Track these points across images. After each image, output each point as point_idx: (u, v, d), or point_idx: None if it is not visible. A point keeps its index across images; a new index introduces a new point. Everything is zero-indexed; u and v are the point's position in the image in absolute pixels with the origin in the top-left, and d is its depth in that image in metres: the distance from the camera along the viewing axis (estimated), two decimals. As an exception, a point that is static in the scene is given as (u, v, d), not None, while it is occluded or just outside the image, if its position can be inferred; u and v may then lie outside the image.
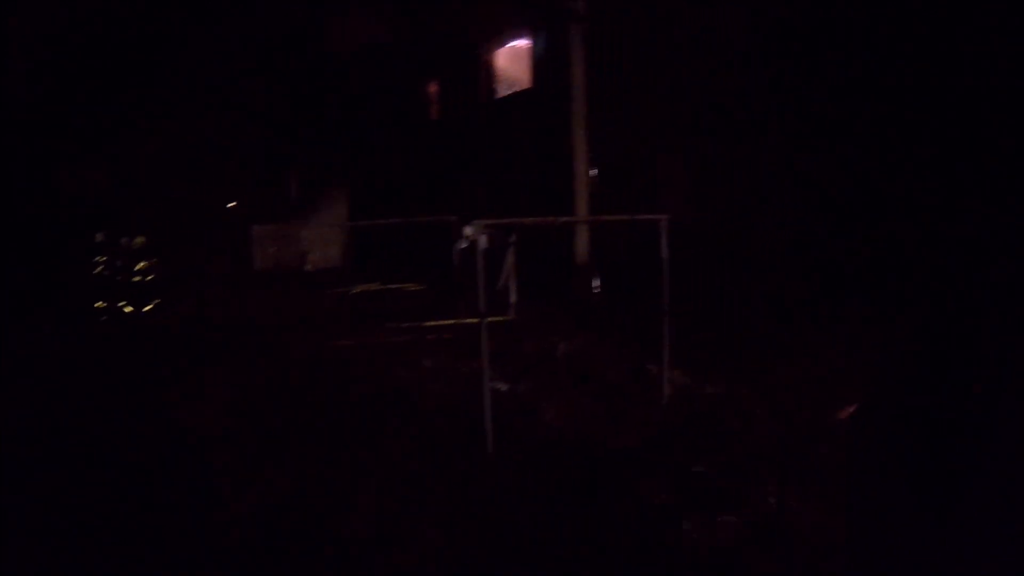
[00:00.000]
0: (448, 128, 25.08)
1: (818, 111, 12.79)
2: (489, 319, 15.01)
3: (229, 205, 28.81)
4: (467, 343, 13.42)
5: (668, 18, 16.18)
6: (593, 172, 18.03)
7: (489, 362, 11.42)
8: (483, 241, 15.21)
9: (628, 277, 16.86)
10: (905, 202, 10.80)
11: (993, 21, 9.62)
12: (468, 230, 14.69)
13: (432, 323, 15.19)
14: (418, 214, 19.45)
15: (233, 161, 28.73)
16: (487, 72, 22.44)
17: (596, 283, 17.61)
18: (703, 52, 15.33)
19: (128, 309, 17.99)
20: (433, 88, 26.47)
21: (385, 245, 26.22)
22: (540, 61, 19.68)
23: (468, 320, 14.59)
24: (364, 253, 29.83)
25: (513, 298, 13.98)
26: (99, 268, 18.19)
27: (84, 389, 10.96)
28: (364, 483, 6.79)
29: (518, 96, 20.93)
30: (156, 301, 18.45)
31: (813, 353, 11.15)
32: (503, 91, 21.95)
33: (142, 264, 18.28)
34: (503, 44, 21.94)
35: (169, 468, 7.40)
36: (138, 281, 18.07)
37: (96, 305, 17.93)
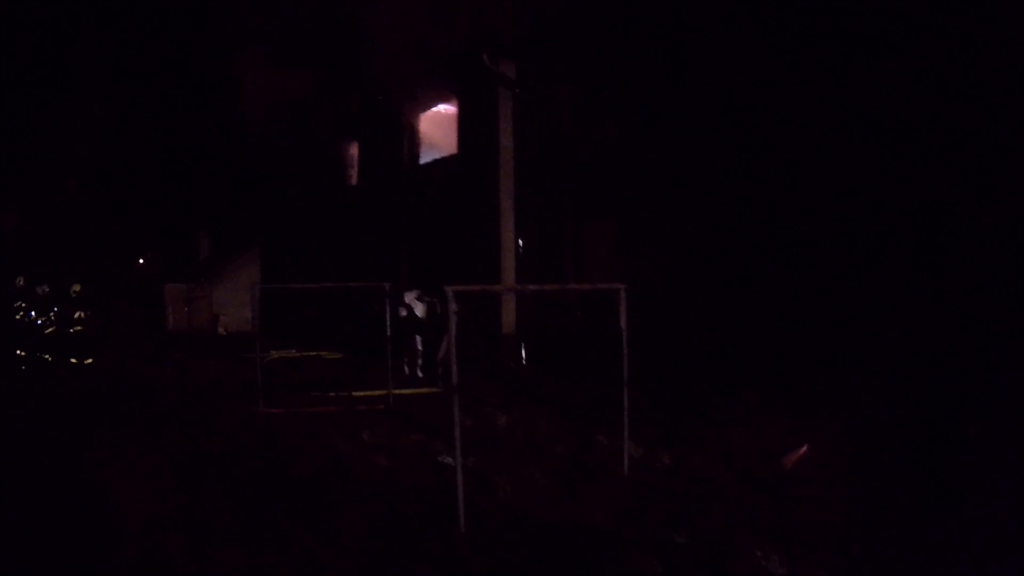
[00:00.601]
0: (368, 192, 24.54)
1: (743, 178, 12.90)
2: (424, 391, 14.64)
3: (140, 261, 27.55)
4: (402, 415, 12.89)
5: (596, 85, 16.21)
6: (519, 241, 17.81)
7: (439, 437, 11.02)
8: (420, 309, 14.82)
9: (554, 349, 16.59)
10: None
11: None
12: (410, 296, 14.20)
13: (361, 393, 14.57)
14: (334, 279, 18.84)
15: (144, 217, 27.52)
16: (411, 136, 22.11)
17: (523, 354, 17.28)
18: (631, 121, 15.38)
19: (73, 360, 16.87)
20: (353, 151, 25.99)
21: (301, 311, 25.32)
22: (466, 126, 19.46)
23: (402, 391, 14.07)
24: (279, 318, 28.96)
25: (455, 369, 13.49)
26: (19, 315, 17.06)
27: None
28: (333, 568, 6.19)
29: (443, 162, 20.63)
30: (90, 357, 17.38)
31: (758, 417, 11.09)
32: (427, 156, 21.64)
33: (79, 314, 17.22)
34: (428, 108, 21.70)
35: (104, 554, 6.62)
36: (75, 332, 17.02)
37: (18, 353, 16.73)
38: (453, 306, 13.55)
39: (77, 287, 17.91)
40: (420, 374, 15.23)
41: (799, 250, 12.03)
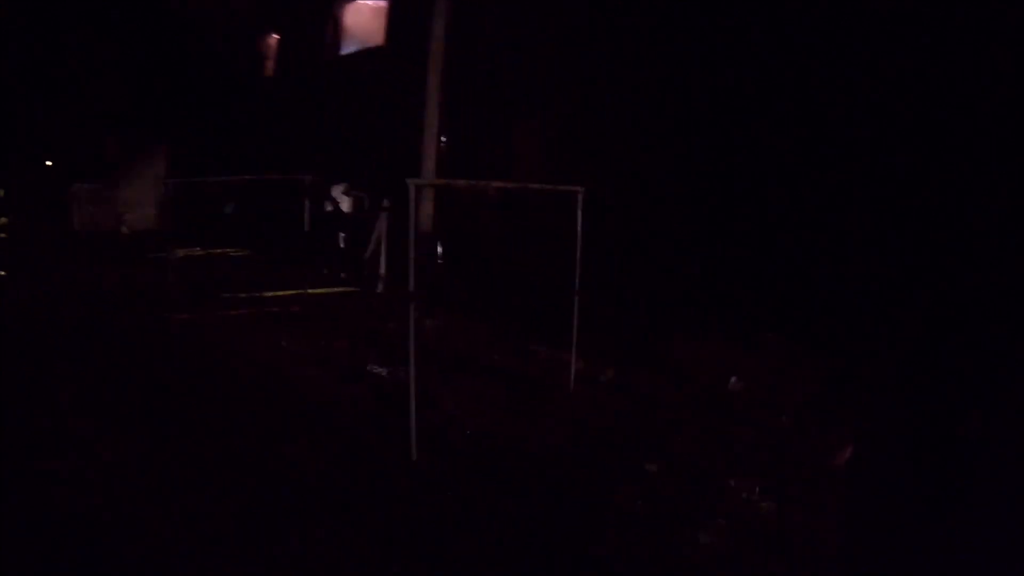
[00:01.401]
0: (285, 84, 23.12)
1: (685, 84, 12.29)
2: (340, 290, 13.85)
3: (47, 164, 25.68)
4: (320, 318, 12.14)
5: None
6: (443, 139, 16.94)
7: (364, 342, 10.33)
8: (347, 204, 13.86)
9: (472, 251, 15.90)
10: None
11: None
12: (336, 191, 13.22)
13: (273, 293, 13.74)
14: (246, 174, 17.67)
15: (52, 118, 25.50)
16: (334, 26, 20.75)
17: (439, 254, 16.53)
18: (569, 16, 14.59)
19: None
20: (270, 42, 24.39)
21: (207, 207, 23.91)
22: (397, 17, 18.25)
23: (316, 291, 13.26)
24: (184, 216, 27.54)
25: (382, 269, 12.63)
26: None
27: None
28: (277, 497, 5.53)
29: (367, 53, 19.42)
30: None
31: (696, 332, 10.62)
32: (353, 47, 20.38)
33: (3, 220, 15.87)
34: (353, -4, 20.39)
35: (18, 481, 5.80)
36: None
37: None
38: (385, 201, 12.80)
39: (0, 191, 16.54)
40: (342, 274, 14.28)
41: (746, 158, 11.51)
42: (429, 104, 16.75)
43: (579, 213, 8.51)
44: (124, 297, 14.18)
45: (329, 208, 13.43)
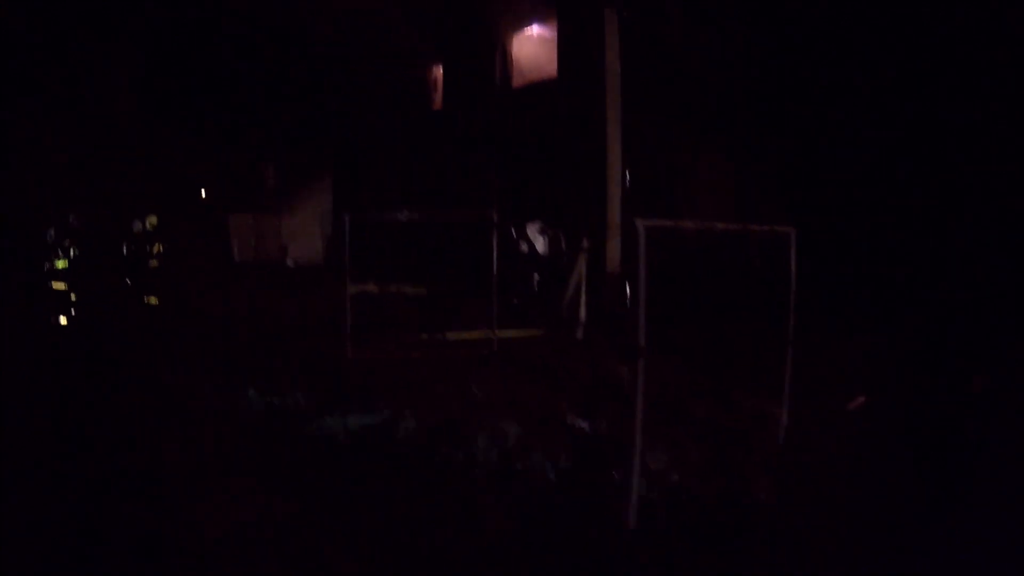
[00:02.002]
0: (454, 118, 23.14)
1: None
2: (531, 333, 13.39)
3: (202, 192, 26.20)
4: (511, 361, 11.73)
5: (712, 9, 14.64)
6: (626, 173, 16.43)
7: (562, 391, 9.85)
8: (541, 243, 13.51)
9: (664, 291, 15.17)
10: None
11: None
12: (532, 229, 12.84)
13: (458, 335, 13.43)
14: (418, 208, 17.52)
15: (208, 145, 26.00)
16: (503, 58, 20.65)
17: (628, 295, 15.92)
18: (759, 36, 13.87)
19: (153, 301, 15.90)
20: (437, 74, 24.55)
21: (378, 242, 23.91)
22: (568, 48, 17.94)
23: (506, 333, 12.83)
24: (354, 250, 27.82)
25: (583, 314, 12.09)
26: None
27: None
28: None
29: (540, 85, 19.17)
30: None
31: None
32: (522, 79, 20.19)
33: (158, 248, 16.20)
34: (521, 28, 20.20)
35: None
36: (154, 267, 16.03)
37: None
38: (584, 241, 12.34)
39: (154, 219, 16.87)
40: (536, 316, 13.64)
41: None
42: (610, 138, 16.32)
43: (792, 255, 7.80)
44: (294, 333, 14.17)
45: (524, 247, 12.95)
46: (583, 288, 11.92)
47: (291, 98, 27.47)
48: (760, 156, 13.63)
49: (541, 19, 19.57)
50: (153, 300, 16.88)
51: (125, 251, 16.65)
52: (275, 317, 16.06)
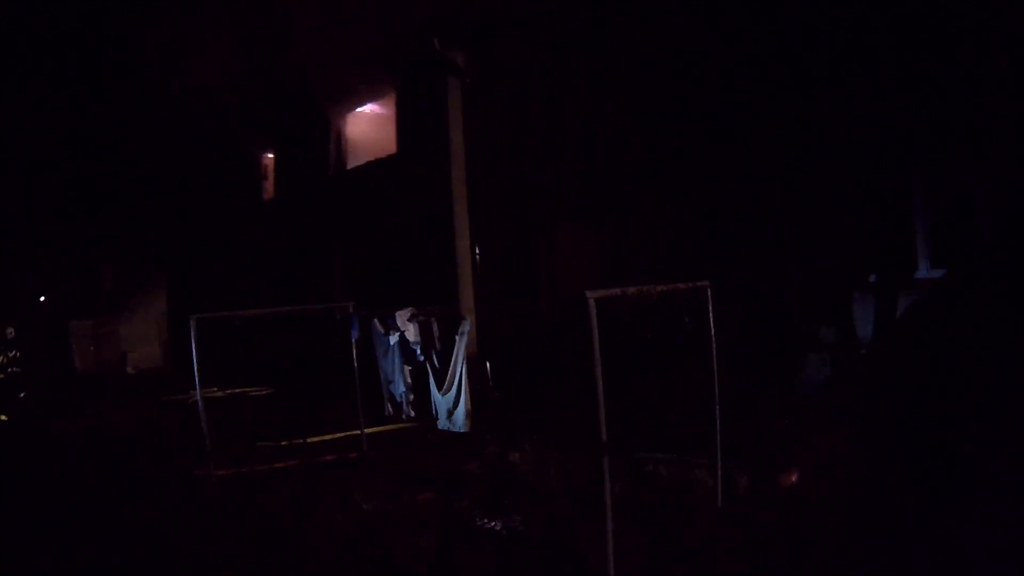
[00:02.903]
0: (288, 205, 21.95)
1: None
2: (393, 427, 12.38)
3: (41, 299, 24.10)
4: (384, 462, 10.65)
5: (563, 75, 14.27)
6: (476, 249, 15.73)
7: (453, 489, 8.85)
8: (412, 332, 12.48)
9: (521, 367, 14.43)
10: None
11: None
12: (401, 317, 11.78)
13: (319, 438, 12.28)
14: (258, 304, 16.21)
15: (42, 249, 24.02)
16: (337, 139, 19.68)
17: (489, 376, 15.09)
18: (603, 103, 13.57)
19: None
20: (266, 162, 23.31)
21: (218, 343, 22.20)
22: (407, 122, 17.23)
23: (370, 430, 11.72)
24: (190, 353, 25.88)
25: (467, 404, 11.07)
26: None
27: None
28: None
29: (377, 164, 18.30)
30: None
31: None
32: (360, 159, 19.27)
33: (13, 354, 15.09)
34: (354, 107, 19.39)
35: None
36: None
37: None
38: (464, 326, 11.42)
39: (11, 329, 15.50)
40: (411, 412, 12.55)
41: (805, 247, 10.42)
42: (457, 213, 15.65)
43: (710, 310, 7.33)
44: (144, 448, 12.80)
45: (395, 339, 11.90)
46: (463, 374, 10.99)
47: (124, 194, 25.85)
48: (624, 221, 13.21)
49: (373, 97, 18.84)
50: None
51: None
52: (123, 429, 14.47)
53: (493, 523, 7.59)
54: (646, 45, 12.57)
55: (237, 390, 18.34)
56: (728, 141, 11.32)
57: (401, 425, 12.55)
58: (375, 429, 11.85)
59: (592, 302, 5.21)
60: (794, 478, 6.94)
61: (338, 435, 12.24)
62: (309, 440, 12.23)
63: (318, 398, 15.42)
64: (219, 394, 17.64)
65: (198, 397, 10.55)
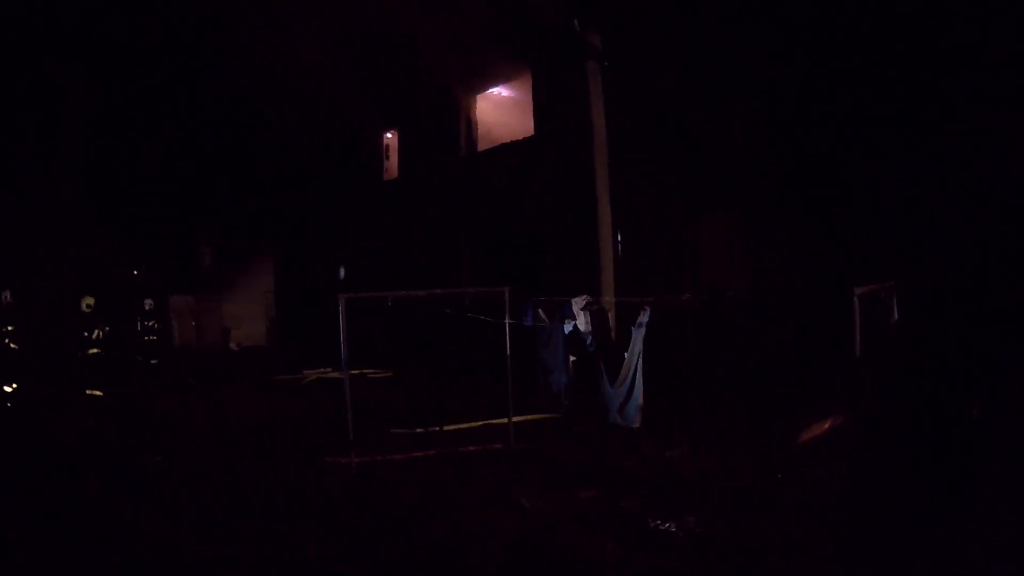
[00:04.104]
0: (412, 186, 21.56)
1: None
2: (538, 417, 11.71)
3: (135, 272, 23.98)
4: (534, 455, 9.98)
5: (708, 58, 13.50)
6: (618, 236, 15.04)
7: (618, 487, 8.16)
8: (583, 320, 11.82)
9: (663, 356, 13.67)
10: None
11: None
12: (576, 305, 11.11)
13: (455, 426, 11.72)
14: (375, 286, 15.59)
15: (141, 224, 23.92)
16: (467, 121, 19.12)
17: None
18: (743, 92, 12.84)
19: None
20: (388, 142, 22.92)
21: (325, 322, 21.72)
22: (546, 106, 16.58)
23: (517, 419, 11.03)
24: (296, 331, 25.72)
25: (641, 399, 10.32)
26: None
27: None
28: None
29: (512, 147, 17.68)
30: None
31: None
32: (490, 142, 18.70)
33: (98, 333, 15.01)
34: (484, 89, 18.84)
35: None
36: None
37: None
38: (644, 316, 10.73)
39: (90, 300, 15.14)
40: (567, 403, 11.79)
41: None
42: (600, 199, 15.01)
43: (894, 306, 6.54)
44: (260, 431, 12.18)
45: (569, 328, 11.16)
46: (639, 367, 10.23)
47: (229, 174, 25.71)
48: (771, 212, 12.43)
49: (504, 80, 18.26)
50: (97, 392, 15.03)
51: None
52: (237, 413, 14.04)
53: (668, 524, 6.89)
54: (787, 34, 11.92)
55: (354, 371, 17.84)
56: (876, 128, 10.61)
57: (543, 416, 11.86)
58: (518, 419, 11.15)
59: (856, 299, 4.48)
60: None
61: (477, 423, 11.66)
62: (446, 428, 11.66)
63: (443, 383, 14.95)
64: (335, 375, 17.22)
65: (345, 378, 10.01)
